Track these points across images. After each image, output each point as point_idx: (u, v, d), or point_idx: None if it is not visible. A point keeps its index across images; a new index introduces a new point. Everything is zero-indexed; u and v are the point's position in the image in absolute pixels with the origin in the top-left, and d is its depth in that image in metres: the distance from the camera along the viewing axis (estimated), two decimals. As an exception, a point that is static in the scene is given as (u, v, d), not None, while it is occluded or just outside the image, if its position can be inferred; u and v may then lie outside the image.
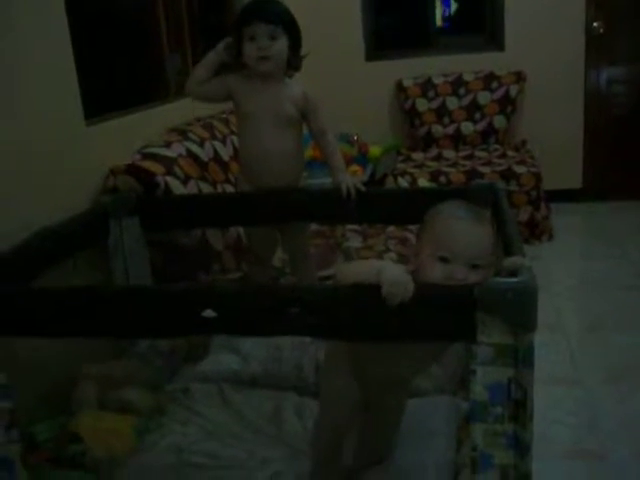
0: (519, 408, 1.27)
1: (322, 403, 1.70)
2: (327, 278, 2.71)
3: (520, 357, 1.23)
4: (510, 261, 1.33)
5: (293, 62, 2.30)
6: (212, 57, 2.28)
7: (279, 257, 2.72)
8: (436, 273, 1.35)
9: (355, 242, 3.18)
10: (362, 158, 4.54)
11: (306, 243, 2.54)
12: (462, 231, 1.36)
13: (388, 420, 1.72)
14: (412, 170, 4.47)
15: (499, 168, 4.33)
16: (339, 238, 3.23)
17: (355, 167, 4.30)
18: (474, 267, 1.34)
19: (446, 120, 4.92)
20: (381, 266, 1.28)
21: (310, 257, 2.56)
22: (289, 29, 2.23)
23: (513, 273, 1.27)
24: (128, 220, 2.31)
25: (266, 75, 2.23)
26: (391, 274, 1.25)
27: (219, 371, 2.18)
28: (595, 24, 4.79)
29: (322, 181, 2.55)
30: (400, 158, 4.85)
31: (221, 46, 2.27)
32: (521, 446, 1.29)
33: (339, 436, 1.65)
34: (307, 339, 2.20)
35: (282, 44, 2.21)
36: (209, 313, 1.31)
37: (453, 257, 1.34)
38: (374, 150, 4.66)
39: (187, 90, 2.32)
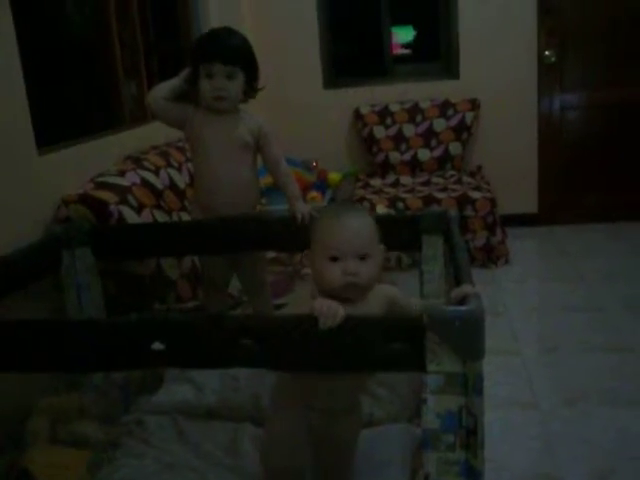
0: (470, 436, 1.27)
1: (268, 438, 1.68)
2: (283, 306, 2.70)
3: (470, 385, 1.24)
4: (458, 290, 1.35)
5: (248, 93, 2.31)
6: (175, 82, 2.29)
7: (236, 286, 2.70)
8: (331, 274, 1.41)
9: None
10: (321, 184, 4.57)
11: (262, 272, 2.53)
12: (342, 226, 1.43)
13: (340, 451, 1.71)
14: (370, 196, 4.49)
15: (455, 194, 4.38)
16: (297, 265, 3.23)
17: (314, 193, 4.32)
18: (363, 258, 1.42)
19: (403, 147, 4.98)
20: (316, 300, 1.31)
21: (266, 286, 2.55)
22: (247, 66, 2.24)
23: (461, 302, 1.28)
24: (81, 250, 2.29)
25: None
26: (320, 300, 1.29)
27: (174, 402, 2.15)
28: (547, 52, 4.91)
29: (282, 207, 2.56)
30: (359, 184, 4.88)
31: (184, 74, 2.27)
32: (473, 474, 1.29)
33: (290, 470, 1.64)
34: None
35: (239, 83, 2.23)
36: (157, 346, 1.30)
37: (341, 254, 1.41)
38: (333, 176, 4.70)
39: (150, 100, 2.30)
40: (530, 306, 3.86)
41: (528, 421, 2.64)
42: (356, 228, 1.44)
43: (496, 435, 2.34)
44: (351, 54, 5.62)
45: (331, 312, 1.26)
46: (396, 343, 1.26)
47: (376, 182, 4.89)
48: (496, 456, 2.23)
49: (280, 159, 2.35)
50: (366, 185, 4.84)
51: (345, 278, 1.41)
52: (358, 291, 1.44)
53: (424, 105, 4.99)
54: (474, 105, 4.93)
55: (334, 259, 1.41)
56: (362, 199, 4.44)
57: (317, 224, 1.50)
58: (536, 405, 2.73)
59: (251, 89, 2.30)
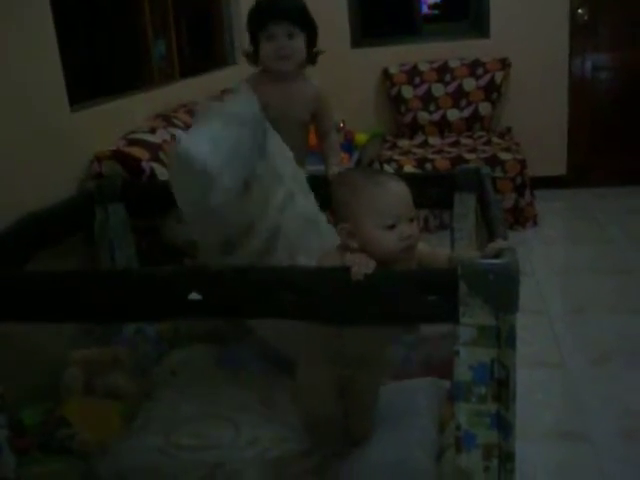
0: (502, 388, 1.29)
1: (300, 389, 1.73)
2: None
3: (503, 338, 1.25)
4: (493, 244, 1.35)
5: (309, 59, 2.28)
6: None
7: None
8: (389, 241, 1.44)
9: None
10: (348, 145, 4.54)
11: None
12: (394, 194, 1.47)
13: (364, 401, 1.74)
14: (398, 157, 4.48)
15: (484, 155, 4.35)
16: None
17: (341, 154, 4.30)
18: (412, 220, 1.46)
19: (432, 107, 4.93)
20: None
21: None
22: (307, 27, 2.21)
23: (496, 255, 1.29)
24: (113, 206, 2.31)
25: (283, 75, 2.21)
26: (351, 255, 1.33)
27: (206, 355, 2.18)
28: (580, 11, 4.81)
29: (317, 168, 2.56)
30: (386, 145, 4.86)
31: None
32: (504, 426, 1.30)
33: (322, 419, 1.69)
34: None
35: (300, 42, 2.19)
36: (194, 296, 1.32)
37: (398, 220, 1.44)
38: (360, 137, 4.67)
39: None
40: (558, 268, 3.85)
41: (554, 380, 2.67)
42: (405, 193, 1.47)
43: (522, 393, 2.34)
44: (379, 12, 5.55)
45: (363, 262, 1.28)
46: (429, 295, 1.26)
47: (404, 143, 4.87)
48: (522, 414, 2.23)
49: (331, 130, 2.36)
50: (393, 146, 4.82)
51: (403, 242, 1.44)
52: (412, 252, 1.48)
53: (453, 64, 4.93)
54: (504, 65, 4.86)
55: (391, 227, 1.44)
56: (390, 160, 4.42)
57: (356, 194, 1.48)
58: (563, 365, 2.75)
59: (311, 53, 2.27)
